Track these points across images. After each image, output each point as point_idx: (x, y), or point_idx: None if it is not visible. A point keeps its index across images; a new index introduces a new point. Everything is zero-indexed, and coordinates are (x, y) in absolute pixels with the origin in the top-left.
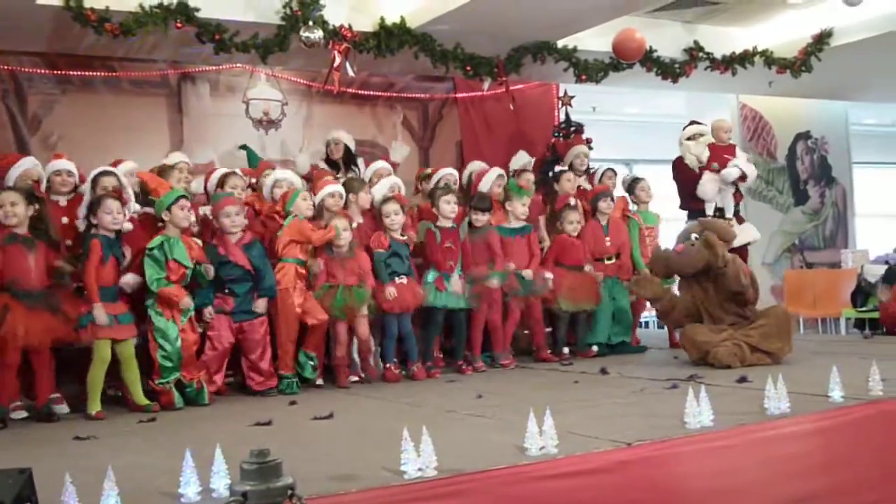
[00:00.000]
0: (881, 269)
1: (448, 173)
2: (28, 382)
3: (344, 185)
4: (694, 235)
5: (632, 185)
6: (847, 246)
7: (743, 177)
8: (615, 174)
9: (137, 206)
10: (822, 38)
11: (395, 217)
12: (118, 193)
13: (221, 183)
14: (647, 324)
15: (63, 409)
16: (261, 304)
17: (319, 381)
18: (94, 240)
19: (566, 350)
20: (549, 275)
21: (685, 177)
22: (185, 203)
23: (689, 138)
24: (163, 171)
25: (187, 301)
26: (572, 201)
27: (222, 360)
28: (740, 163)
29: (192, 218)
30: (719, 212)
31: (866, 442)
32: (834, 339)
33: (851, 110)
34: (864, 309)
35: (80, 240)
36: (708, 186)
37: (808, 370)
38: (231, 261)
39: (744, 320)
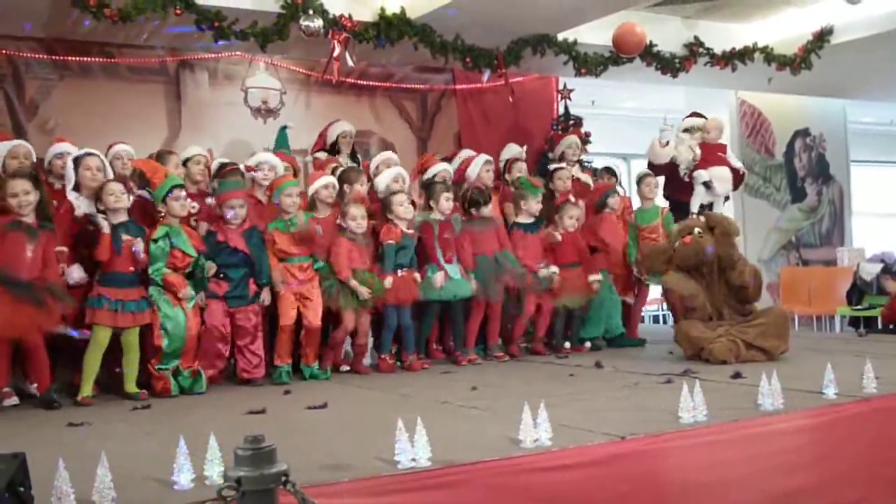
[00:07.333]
0: (877, 268)
1: (443, 169)
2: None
3: (341, 174)
4: (697, 229)
5: (638, 181)
6: (843, 244)
7: (707, 185)
8: (613, 175)
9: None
10: (822, 36)
11: (407, 207)
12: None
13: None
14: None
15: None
16: (264, 295)
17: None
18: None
19: (567, 344)
20: (554, 269)
21: (659, 170)
22: (179, 193)
23: (684, 130)
24: (159, 157)
25: (187, 291)
26: (571, 198)
27: (221, 344)
28: (715, 176)
29: (195, 206)
30: (707, 207)
31: (859, 439)
32: (829, 337)
33: (850, 108)
34: (859, 307)
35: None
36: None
37: (802, 367)
38: (230, 246)
39: (741, 317)
